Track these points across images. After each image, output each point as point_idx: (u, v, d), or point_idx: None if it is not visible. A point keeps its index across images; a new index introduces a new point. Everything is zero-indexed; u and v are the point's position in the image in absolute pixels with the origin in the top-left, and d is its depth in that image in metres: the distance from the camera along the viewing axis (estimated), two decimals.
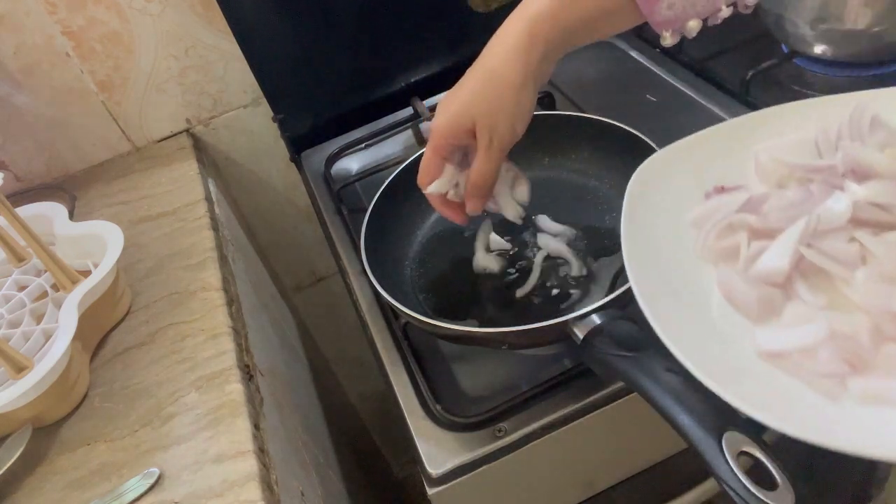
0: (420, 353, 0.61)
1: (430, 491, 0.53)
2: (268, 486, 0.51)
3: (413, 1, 0.88)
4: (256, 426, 0.56)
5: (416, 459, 0.54)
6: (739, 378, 0.37)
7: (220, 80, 0.93)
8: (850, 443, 0.32)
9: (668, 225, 0.46)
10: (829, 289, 0.40)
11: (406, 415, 0.57)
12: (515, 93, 0.51)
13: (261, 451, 0.54)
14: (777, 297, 0.41)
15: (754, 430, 0.38)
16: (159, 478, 0.53)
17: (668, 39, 0.51)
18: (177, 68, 0.90)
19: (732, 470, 0.36)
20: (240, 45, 0.84)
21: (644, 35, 0.92)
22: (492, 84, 0.51)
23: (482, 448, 0.53)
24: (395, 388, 0.59)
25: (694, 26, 0.51)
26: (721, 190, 0.48)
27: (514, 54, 0.50)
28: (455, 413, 0.55)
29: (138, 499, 0.52)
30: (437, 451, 0.54)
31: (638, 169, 0.49)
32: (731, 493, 0.36)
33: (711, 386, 0.35)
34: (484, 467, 0.53)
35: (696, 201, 0.48)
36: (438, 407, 0.55)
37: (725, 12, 0.50)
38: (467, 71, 0.54)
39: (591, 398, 0.55)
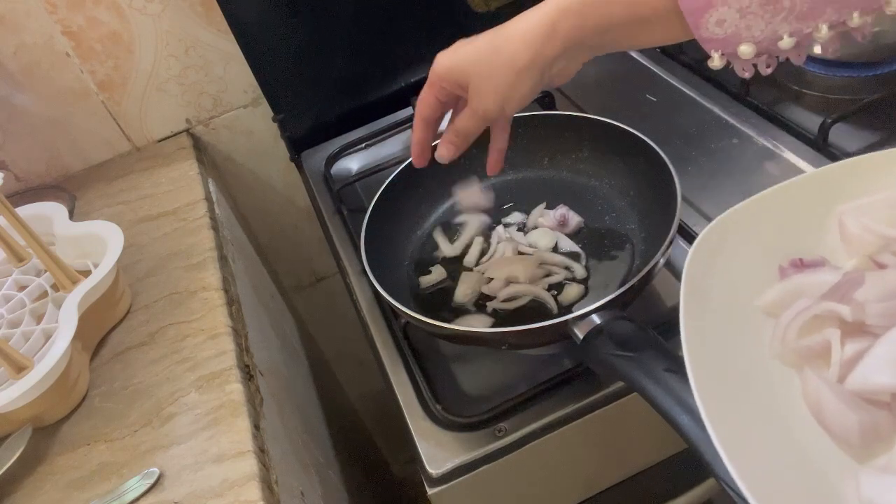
0: (420, 353, 0.61)
1: (430, 491, 0.53)
2: (268, 486, 0.51)
3: (413, 1, 0.88)
4: (256, 426, 0.56)
5: (416, 459, 0.54)
6: None
7: (220, 80, 0.93)
8: None
9: (736, 310, 0.38)
10: None
11: (406, 415, 0.57)
12: (514, 75, 0.49)
13: (261, 451, 0.54)
14: (884, 422, 0.32)
15: None
16: (159, 478, 0.53)
17: (716, 62, 0.44)
18: (177, 68, 0.90)
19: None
20: (240, 45, 0.84)
21: None
22: (497, 57, 0.50)
23: (482, 448, 0.53)
24: (395, 388, 0.59)
25: (747, 52, 0.43)
26: (800, 265, 0.39)
27: (528, 39, 0.48)
28: (455, 413, 0.55)
29: (138, 499, 0.52)
30: (437, 451, 0.54)
31: (699, 237, 0.41)
32: (732, 494, 0.35)
33: None
34: (484, 467, 0.53)
35: (768, 277, 0.40)
36: (438, 407, 0.55)
37: (787, 43, 0.42)
38: (492, 29, 0.51)
39: (591, 398, 0.55)
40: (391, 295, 0.57)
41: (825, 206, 0.42)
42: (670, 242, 0.53)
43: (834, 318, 0.35)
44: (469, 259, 0.66)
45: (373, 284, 0.58)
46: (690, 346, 0.35)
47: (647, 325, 0.47)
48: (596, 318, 0.49)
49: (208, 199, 0.82)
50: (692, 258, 0.39)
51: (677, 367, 0.41)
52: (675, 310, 0.60)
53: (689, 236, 0.63)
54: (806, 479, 0.31)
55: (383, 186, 0.68)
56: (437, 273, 0.65)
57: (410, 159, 0.70)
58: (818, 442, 0.32)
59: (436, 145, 0.57)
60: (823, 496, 0.30)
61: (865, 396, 0.33)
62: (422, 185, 0.71)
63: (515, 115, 0.72)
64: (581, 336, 0.49)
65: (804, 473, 0.31)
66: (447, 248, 0.68)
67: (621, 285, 0.53)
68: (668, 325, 0.57)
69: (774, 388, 0.35)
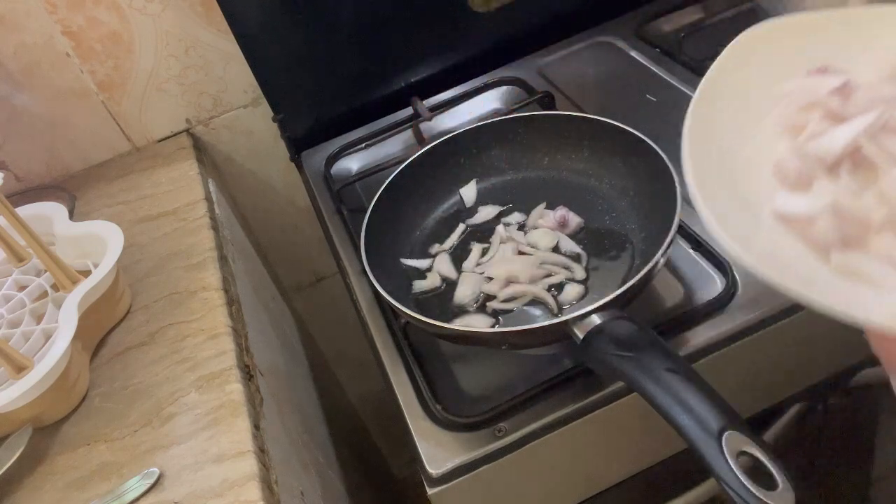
0: (420, 353, 0.61)
1: (430, 491, 0.53)
2: (268, 486, 0.51)
3: (413, 1, 0.88)
4: (256, 426, 0.56)
5: (416, 459, 0.54)
6: (751, 232, 0.37)
7: (220, 80, 0.93)
8: (825, 299, 0.32)
9: (748, 99, 0.43)
10: (871, 181, 0.38)
11: (406, 415, 0.56)
12: None
13: (261, 451, 0.54)
14: (820, 174, 0.39)
15: (754, 430, 0.38)
16: (159, 478, 0.53)
17: None
18: (177, 68, 0.90)
19: (732, 470, 0.36)
20: (240, 45, 0.84)
21: (644, 35, 0.92)
22: None
23: (482, 448, 0.53)
24: (395, 388, 0.59)
25: None
26: (824, 70, 0.43)
27: None
28: (455, 413, 0.55)
29: (138, 499, 0.52)
30: (437, 451, 0.54)
31: (741, 35, 0.44)
32: (732, 494, 0.36)
33: (717, 235, 0.34)
34: (484, 467, 0.53)
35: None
36: (438, 407, 0.55)
37: None
38: None
39: (591, 398, 0.55)
40: (391, 295, 0.57)
41: (870, 38, 0.44)
42: (670, 242, 0.53)
43: (825, 107, 0.40)
44: (468, 263, 0.66)
45: (373, 284, 0.58)
46: (694, 119, 0.40)
47: (647, 325, 0.47)
48: (596, 318, 0.49)
49: (208, 199, 0.82)
50: (724, 55, 0.43)
51: (677, 367, 0.42)
52: (676, 310, 0.60)
53: (689, 236, 0.63)
54: (743, 200, 0.38)
55: (384, 186, 0.68)
56: (432, 280, 0.65)
57: (411, 158, 0.70)
58: (770, 183, 0.39)
59: None
60: (751, 206, 0.38)
61: (815, 157, 0.39)
62: (423, 184, 0.71)
63: (516, 115, 0.73)
64: (581, 336, 0.49)
65: (749, 197, 0.38)
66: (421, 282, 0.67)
67: (621, 285, 0.53)
68: (669, 324, 0.57)
69: (757, 153, 0.41)
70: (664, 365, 0.42)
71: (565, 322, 0.49)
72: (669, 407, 0.40)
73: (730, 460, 0.36)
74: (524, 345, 0.58)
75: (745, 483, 0.35)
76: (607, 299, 0.50)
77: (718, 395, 0.40)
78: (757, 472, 0.36)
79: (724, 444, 0.37)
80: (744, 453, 0.37)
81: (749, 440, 0.37)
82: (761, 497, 0.35)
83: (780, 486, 0.35)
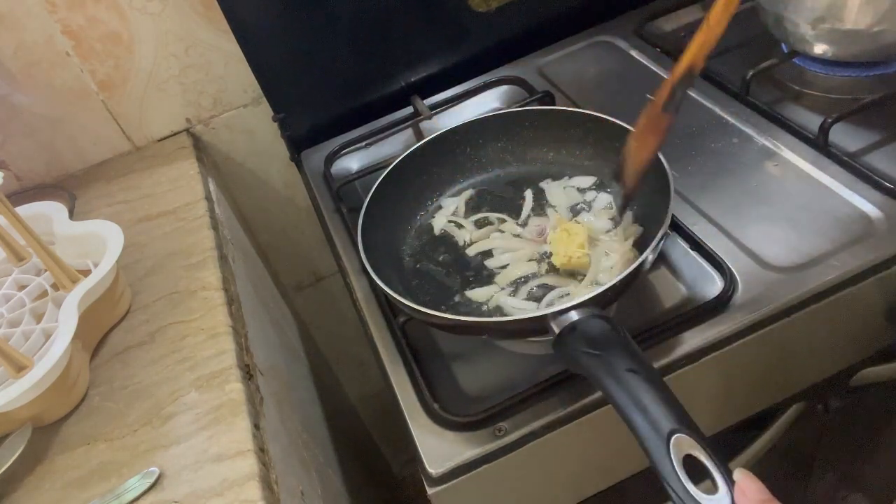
0: (420, 353, 0.61)
1: (430, 490, 0.53)
2: (268, 485, 0.51)
3: (413, 1, 0.88)
4: (256, 426, 0.56)
5: (415, 459, 0.54)
6: None
7: (220, 80, 0.93)
8: None
9: None
10: None
11: (406, 414, 0.56)
12: None
13: (261, 451, 0.54)
14: None
15: (702, 435, 0.39)
16: (159, 477, 0.53)
17: None
18: (177, 67, 0.90)
19: (675, 471, 0.37)
20: (240, 44, 0.84)
21: (644, 35, 0.92)
22: None
23: (482, 447, 0.53)
24: (395, 387, 0.59)
25: None
26: None
27: None
28: (455, 412, 0.55)
29: (138, 498, 0.52)
30: (437, 450, 0.54)
31: None
32: (672, 494, 0.37)
33: None
34: (484, 467, 0.53)
35: None
36: (438, 406, 0.55)
37: None
38: None
39: (592, 397, 0.55)
40: (385, 282, 0.57)
41: None
42: (659, 242, 0.53)
43: None
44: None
45: (371, 280, 0.58)
46: None
47: (621, 326, 0.47)
48: (574, 315, 0.49)
49: (208, 198, 0.82)
50: None
51: (639, 368, 0.43)
52: (675, 310, 0.60)
53: (687, 237, 0.63)
54: None
55: (382, 176, 0.67)
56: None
57: (406, 153, 0.70)
58: None
59: None
60: None
61: None
62: (423, 175, 0.71)
63: (520, 110, 0.73)
64: (557, 331, 0.49)
65: None
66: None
67: (607, 282, 0.52)
68: (668, 324, 0.57)
69: None
70: (626, 365, 0.43)
71: (544, 316, 0.49)
72: (625, 406, 0.41)
73: (674, 462, 0.37)
74: (504, 334, 0.58)
75: (686, 485, 0.36)
76: (588, 296, 0.49)
77: (674, 398, 0.41)
78: (704, 476, 0.37)
79: (671, 445, 0.38)
80: (690, 456, 0.37)
81: (696, 444, 0.38)
82: (699, 499, 0.36)
83: (720, 490, 0.36)
